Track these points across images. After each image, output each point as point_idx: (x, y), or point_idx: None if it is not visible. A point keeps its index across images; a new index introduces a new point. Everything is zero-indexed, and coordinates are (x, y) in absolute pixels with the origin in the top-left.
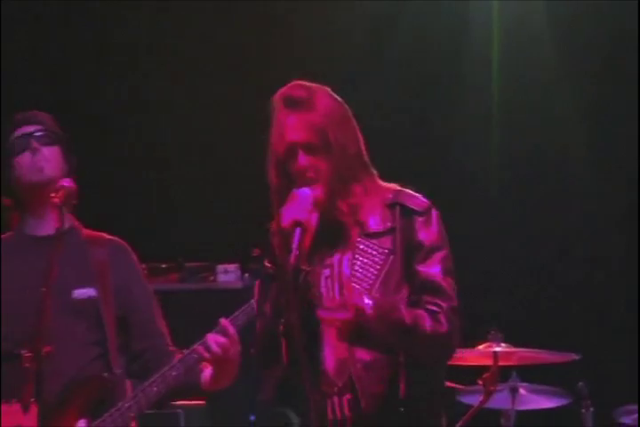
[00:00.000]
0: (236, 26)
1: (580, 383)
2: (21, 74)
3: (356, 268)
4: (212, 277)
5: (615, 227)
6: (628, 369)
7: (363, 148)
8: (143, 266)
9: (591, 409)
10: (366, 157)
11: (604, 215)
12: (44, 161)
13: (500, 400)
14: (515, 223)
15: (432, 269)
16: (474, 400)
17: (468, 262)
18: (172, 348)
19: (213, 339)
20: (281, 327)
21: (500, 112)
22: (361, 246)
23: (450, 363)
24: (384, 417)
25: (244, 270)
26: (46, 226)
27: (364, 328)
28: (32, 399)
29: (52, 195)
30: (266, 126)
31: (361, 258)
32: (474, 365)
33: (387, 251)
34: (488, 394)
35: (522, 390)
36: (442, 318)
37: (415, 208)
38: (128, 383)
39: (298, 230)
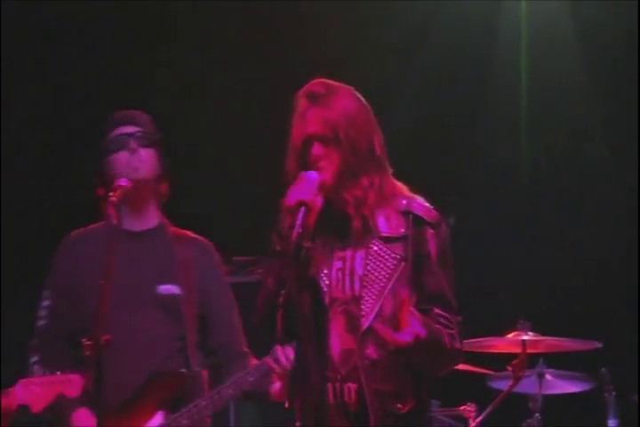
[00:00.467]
0: (263, 33)
1: (603, 369)
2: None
3: (369, 268)
4: (259, 271)
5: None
6: None
7: (377, 145)
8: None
9: (613, 393)
10: (380, 154)
11: (626, 208)
12: (140, 162)
13: (527, 385)
14: (542, 219)
15: (440, 281)
16: (503, 385)
17: (499, 257)
18: (246, 349)
19: (282, 352)
20: (280, 299)
21: (527, 115)
22: (375, 248)
23: (481, 351)
24: (387, 413)
25: None
26: (140, 222)
27: (413, 352)
28: (92, 384)
29: (111, 194)
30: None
31: (374, 260)
32: (503, 352)
33: (398, 257)
34: (517, 379)
35: (548, 376)
36: (456, 334)
37: (428, 219)
38: (205, 381)
39: (302, 210)
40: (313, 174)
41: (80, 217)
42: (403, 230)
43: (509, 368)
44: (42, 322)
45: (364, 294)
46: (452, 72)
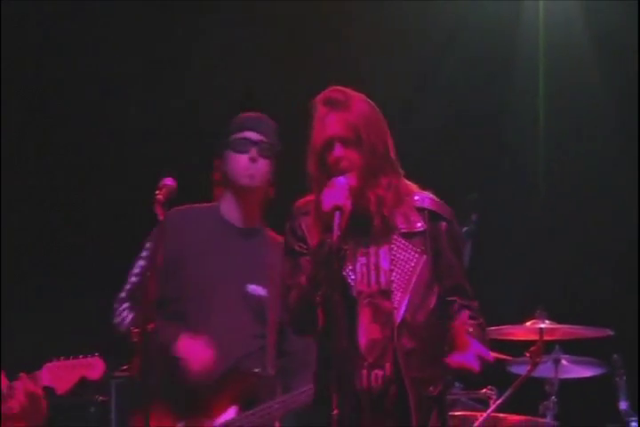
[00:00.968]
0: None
1: (615, 355)
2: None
3: (395, 263)
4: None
5: None
6: None
7: (391, 147)
8: None
9: (624, 378)
10: (393, 156)
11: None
12: (256, 170)
13: (544, 370)
14: (558, 214)
15: (458, 272)
16: (522, 370)
17: (518, 251)
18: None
19: None
20: (318, 298)
21: (545, 120)
22: (397, 244)
23: (501, 338)
24: (422, 396)
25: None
26: (244, 220)
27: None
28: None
29: (157, 192)
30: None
31: (397, 255)
32: (522, 339)
33: (420, 251)
34: (534, 365)
35: (564, 362)
36: (483, 322)
37: (442, 214)
38: (278, 385)
39: (337, 214)
40: (342, 180)
41: (80, 217)
42: (420, 225)
43: (527, 354)
44: (134, 279)
45: (392, 289)
46: (476, 75)
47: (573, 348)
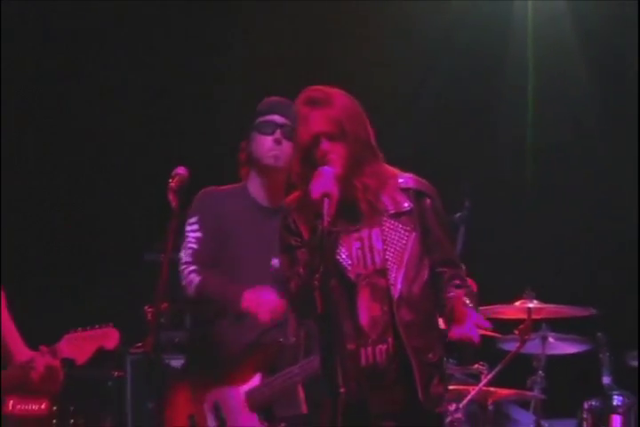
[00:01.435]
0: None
1: (599, 333)
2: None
3: (387, 243)
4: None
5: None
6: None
7: (371, 135)
8: None
9: (607, 354)
10: (374, 143)
11: (620, 196)
12: (280, 151)
13: (532, 347)
14: (546, 203)
15: (446, 245)
16: (511, 347)
17: (508, 236)
18: None
19: None
20: (316, 282)
21: (534, 110)
22: (387, 225)
23: (491, 316)
24: (424, 363)
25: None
26: (270, 200)
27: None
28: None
29: (170, 180)
30: None
31: (389, 235)
32: (511, 318)
33: (409, 229)
34: (523, 342)
35: (550, 339)
36: (470, 282)
37: (426, 192)
38: (300, 351)
39: (326, 200)
40: (328, 169)
41: (80, 216)
42: (407, 205)
43: (516, 332)
44: (193, 246)
45: (387, 267)
46: (470, 69)
47: (559, 326)
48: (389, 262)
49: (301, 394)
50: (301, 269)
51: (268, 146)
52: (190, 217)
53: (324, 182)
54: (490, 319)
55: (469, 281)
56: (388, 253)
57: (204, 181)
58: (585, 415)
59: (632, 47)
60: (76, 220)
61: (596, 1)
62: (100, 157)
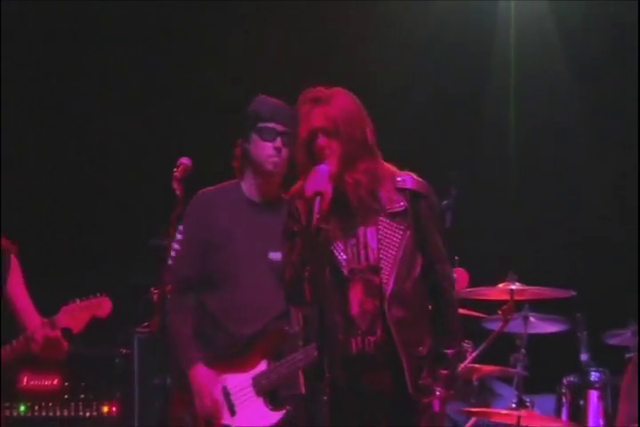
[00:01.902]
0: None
1: (578, 314)
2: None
3: (382, 242)
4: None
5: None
6: (615, 303)
7: (369, 135)
8: None
9: (585, 333)
10: (371, 142)
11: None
12: (279, 158)
13: (515, 326)
14: (529, 190)
15: (438, 243)
16: (495, 326)
17: (493, 222)
18: None
19: None
20: (306, 273)
21: (517, 104)
22: (383, 224)
23: (476, 298)
24: (413, 356)
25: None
26: (263, 196)
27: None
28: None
29: (175, 170)
30: None
31: (384, 234)
32: (495, 299)
33: (403, 228)
34: (506, 322)
35: (532, 319)
36: (461, 272)
37: (421, 192)
38: (301, 338)
39: (318, 199)
40: (323, 167)
41: (80, 216)
42: (402, 205)
43: (500, 312)
44: (171, 263)
45: (381, 265)
46: (457, 64)
47: (540, 307)
48: (383, 261)
49: (301, 377)
50: (295, 258)
51: (268, 152)
52: (181, 224)
53: (318, 181)
54: (475, 300)
55: (460, 271)
56: (382, 251)
57: (207, 175)
58: (564, 390)
59: (611, 47)
60: (80, 215)
61: (578, 1)
62: (100, 157)
